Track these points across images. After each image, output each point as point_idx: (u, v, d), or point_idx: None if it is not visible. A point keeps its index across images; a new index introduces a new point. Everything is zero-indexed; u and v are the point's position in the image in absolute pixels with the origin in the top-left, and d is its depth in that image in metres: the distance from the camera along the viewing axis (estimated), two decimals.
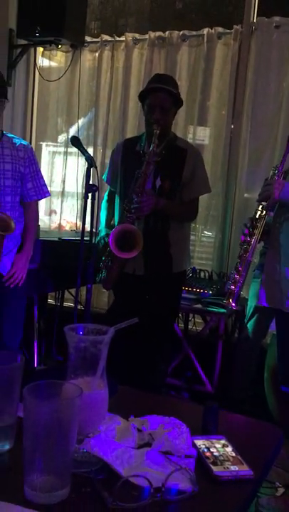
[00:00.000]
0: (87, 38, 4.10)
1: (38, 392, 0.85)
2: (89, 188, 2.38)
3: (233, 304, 2.43)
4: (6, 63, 4.07)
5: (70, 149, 4.23)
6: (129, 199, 2.55)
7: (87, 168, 2.43)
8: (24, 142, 2.64)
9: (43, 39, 3.95)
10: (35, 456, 0.82)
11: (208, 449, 1.01)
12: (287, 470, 2.43)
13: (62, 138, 4.38)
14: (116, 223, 2.74)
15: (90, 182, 2.41)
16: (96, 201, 2.39)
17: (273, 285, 2.49)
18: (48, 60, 4.35)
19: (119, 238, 2.50)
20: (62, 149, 4.35)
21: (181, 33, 3.76)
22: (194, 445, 1.02)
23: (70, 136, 3.83)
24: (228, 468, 0.95)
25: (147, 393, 1.29)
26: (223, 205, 3.71)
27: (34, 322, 3.25)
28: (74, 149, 3.30)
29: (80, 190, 4.16)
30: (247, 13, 3.57)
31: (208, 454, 0.99)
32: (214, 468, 0.94)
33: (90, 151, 4.06)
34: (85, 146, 2.58)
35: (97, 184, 2.42)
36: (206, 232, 3.89)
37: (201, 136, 3.85)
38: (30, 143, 4.35)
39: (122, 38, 3.97)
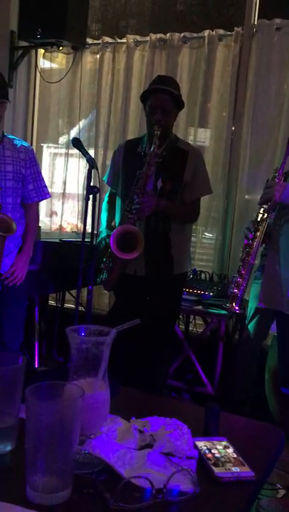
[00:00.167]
0: (89, 40, 4.11)
1: (40, 393, 0.85)
2: (90, 190, 2.38)
3: (237, 308, 2.43)
4: (8, 65, 4.07)
5: (71, 151, 4.24)
6: (130, 200, 2.55)
7: (88, 169, 2.43)
8: (25, 143, 2.65)
9: (44, 41, 3.96)
10: (37, 457, 0.82)
11: (209, 450, 1.01)
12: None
13: (63, 139, 4.38)
14: (117, 224, 2.75)
15: (91, 183, 2.41)
16: (97, 203, 2.40)
17: (274, 287, 2.49)
18: (49, 61, 4.36)
19: (121, 239, 2.50)
20: (63, 151, 4.36)
21: (182, 35, 3.77)
22: (196, 446, 1.02)
23: (71, 138, 3.83)
24: (229, 469, 0.95)
25: (149, 394, 1.29)
26: (224, 207, 3.71)
27: (35, 323, 3.26)
28: (75, 151, 3.30)
29: (81, 191, 4.16)
30: (248, 15, 3.58)
31: (209, 455, 0.99)
32: (216, 470, 0.94)
33: (91, 152, 4.06)
34: (86, 148, 2.59)
35: (98, 186, 2.43)
36: (206, 234, 3.89)
37: (202, 137, 3.85)
38: (32, 144, 4.36)
39: (124, 40, 3.98)
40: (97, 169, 2.50)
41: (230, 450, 1.02)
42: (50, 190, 2.80)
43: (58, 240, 3.37)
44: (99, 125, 4.12)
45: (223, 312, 3.13)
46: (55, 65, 4.37)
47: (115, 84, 4.03)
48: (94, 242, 2.48)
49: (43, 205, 4.36)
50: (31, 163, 2.62)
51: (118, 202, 2.76)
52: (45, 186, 2.73)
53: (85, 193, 2.45)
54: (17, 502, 0.81)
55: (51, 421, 0.82)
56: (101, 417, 0.95)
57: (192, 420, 1.10)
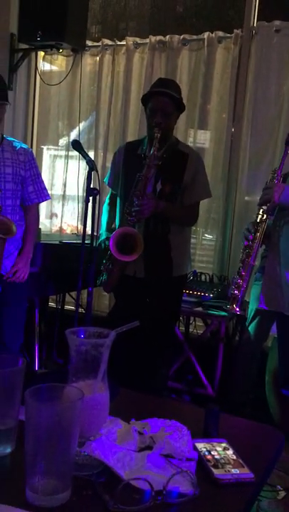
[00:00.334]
0: (88, 42, 4.12)
1: (39, 395, 0.85)
2: (90, 192, 2.39)
3: (237, 309, 2.43)
4: (8, 67, 4.08)
5: (71, 153, 4.25)
6: (130, 202, 2.55)
7: (88, 171, 2.44)
8: (24, 146, 2.66)
9: (44, 43, 3.97)
10: (36, 459, 0.82)
11: (209, 452, 1.01)
12: None
13: (63, 142, 4.39)
14: (117, 226, 2.75)
15: (91, 185, 2.42)
16: (97, 205, 2.40)
17: (274, 288, 2.49)
18: (49, 64, 4.37)
19: (120, 241, 2.50)
20: (63, 153, 4.37)
21: (182, 37, 3.78)
22: (195, 448, 1.02)
23: (71, 140, 3.84)
24: (229, 471, 0.95)
25: (148, 396, 1.29)
26: (224, 208, 3.71)
27: (35, 325, 3.26)
28: (75, 153, 3.31)
29: (81, 193, 4.17)
30: (247, 17, 3.59)
31: (209, 457, 0.99)
32: (215, 471, 0.94)
33: (91, 154, 4.07)
34: (86, 150, 2.59)
35: (98, 188, 2.43)
36: (206, 235, 3.90)
37: (202, 139, 3.86)
38: (32, 146, 4.37)
39: (123, 42, 3.99)
40: (96, 171, 2.51)
41: (230, 452, 1.02)
42: (50, 192, 2.81)
43: (58, 242, 3.37)
44: (99, 127, 4.13)
45: (224, 314, 3.13)
46: (55, 68, 4.38)
47: (115, 86, 4.04)
48: (94, 244, 2.48)
49: (43, 207, 4.37)
50: (31, 165, 2.63)
51: (119, 203, 2.77)
52: (45, 188, 2.73)
53: (85, 195, 2.45)
54: (17, 504, 0.81)
55: (50, 423, 0.82)
56: (100, 419, 0.95)
57: (192, 422, 1.10)
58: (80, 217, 4.21)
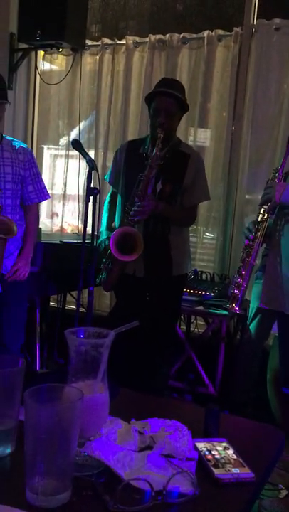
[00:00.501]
0: (88, 42, 4.11)
1: (39, 395, 0.85)
2: (90, 191, 2.39)
3: (237, 309, 2.43)
4: (7, 67, 4.08)
5: (71, 152, 4.25)
6: (131, 202, 2.55)
7: (88, 171, 2.44)
8: (24, 145, 2.65)
9: (43, 43, 3.96)
10: (36, 459, 0.82)
11: (209, 451, 1.01)
12: None
13: (63, 141, 4.39)
14: (117, 226, 2.75)
15: (91, 185, 2.41)
16: (97, 204, 2.40)
17: (275, 287, 2.49)
18: (49, 63, 4.37)
19: (120, 241, 2.50)
20: (63, 152, 4.36)
21: (182, 35, 3.77)
22: (196, 448, 1.02)
23: (71, 139, 3.84)
24: (229, 470, 0.95)
25: (149, 396, 1.29)
26: (225, 207, 3.71)
27: (36, 325, 3.26)
28: (75, 152, 3.31)
29: (82, 193, 4.16)
30: (247, 15, 3.58)
31: (209, 456, 0.99)
32: (215, 471, 0.94)
33: (92, 154, 4.07)
34: (86, 149, 2.59)
35: (98, 187, 2.43)
36: (207, 234, 3.89)
37: (202, 138, 3.85)
38: (32, 146, 4.37)
39: (123, 41, 3.98)
40: (97, 171, 2.50)
41: (231, 451, 1.02)
42: (50, 191, 2.81)
43: (58, 242, 3.37)
44: (99, 126, 4.12)
45: (225, 312, 3.13)
46: (54, 67, 4.38)
47: (115, 85, 4.03)
48: (94, 244, 2.48)
49: (44, 207, 4.37)
50: (30, 164, 2.62)
51: (119, 201, 2.77)
52: (45, 187, 2.73)
53: (85, 194, 2.45)
54: (17, 505, 0.81)
55: (50, 423, 0.82)
56: (100, 419, 0.95)
57: (192, 421, 1.10)
58: (80, 217, 4.20)
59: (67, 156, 4.32)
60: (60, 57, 4.29)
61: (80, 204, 4.20)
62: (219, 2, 4.22)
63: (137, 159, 2.64)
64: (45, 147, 4.51)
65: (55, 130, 4.41)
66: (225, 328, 3.24)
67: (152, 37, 3.85)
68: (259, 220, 2.41)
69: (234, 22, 3.72)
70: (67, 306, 3.87)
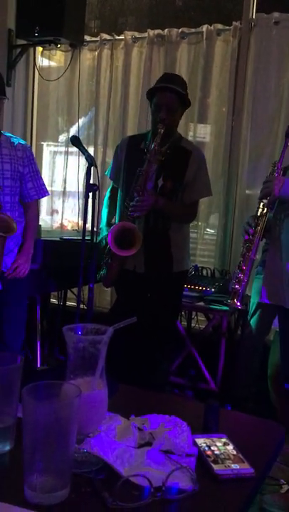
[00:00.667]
0: (87, 37, 4.09)
1: (36, 392, 0.85)
2: (89, 188, 2.38)
3: (238, 304, 2.42)
4: (6, 63, 4.06)
5: (70, 149, 4.23)
6: (131, 197, 2.55)
7: (87, 167, 2.43)
8: (22, 141, 2.64)
9: (42, 39, 3.94)
10: (34, 456, 0.82)
11: (209, 447, 1.01)
12: None
13: (62, 137, 4.38)
14: (117, 220, 2.74)
15: (91, 181, 2.41)
16: (97, 200, 2.39)
17: (275, 282, 2.48)
18: (48, 59, 4.35)
19: (119, 236, 2.50)
20: (63, 149, 4.35)
21: (180, 30, 3.75)
22: (195, 443, 1.01)
23: (70, 136, 3.83)
24: (229, 466, 0.95)
25: (148, 392, 1.29)
26: (225, 203, 3.70)
27: (37, 322, 3.26)
28: (75, 149, 3.30)
29: (82, 189, 4.15)
30: (246, 9, 3.56)
31: (209, 452, 0.99)
32: (215, 467, 0.94)
33: (91, 150, 4.06)
34: (85, 146, 2.58)
35: (97, 183, 2.42)
36: (208, 230, 3.88)
37: (202, 133, 3.84)
38: (31, 143, 4.35)
39: (121, 37, 3.97)
40: (96, 167, 2.49)
41: (230, 447, 1.01)
42: (50, 188, 2.80)
43: (58, 239, 3.37)
44: (98, 122, 4.11)
45: (225, 308, 3.12)
46: (53, 63, 4.36)
47: (114, 81, 4.02)
48: (94, 240, 2.48)
49: (44, 204, 4.36)
50: (29, 161, 2.61)
51: (120, 197, 2.76)
52: (44, 184, 2.72)
53: (85, 190, 2.44)
54: (16, 502, 0.81)
55: (48, 421, 0.81)
56: (99, 415, 0.95)
57: (192, 417, 1.10)
58: (80, 213, 4.20)
59: (66, 153, 4.31)
60: (58, 53, 4.28)
61: (80, 201, 4.19)
62: None
63: (138, 154, 2.63)
64: (44, 144, 4.49)
65: (54, 127, 4.39)
66: (226, 324, 3.24)
67: (151, 32, 3.83)
68: (259, 214, 2.40)
69: (233, 16, 3.70)
70: (68, 303, 3.87)
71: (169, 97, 2.55)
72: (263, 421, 1.17)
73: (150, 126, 2.77)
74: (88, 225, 2.54)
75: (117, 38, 3.99)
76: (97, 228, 2.68)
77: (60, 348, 3.62)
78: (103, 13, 4.63)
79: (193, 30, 3.75)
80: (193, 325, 3.62)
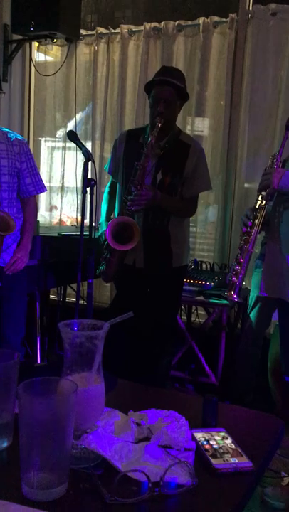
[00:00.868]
0: (83, 31, 4.07)
1: (33, 389, 0.84)
2: (87, 183, 2.37)
3: (235, 296, 2.41)
4: (2, 59, 4.05)
5: (68, 144, 4.22)
6: (128, 191, 2.54)
7: (84, 162, 2.42)
8: (19, 137, 2.62)
9: (37, 33, 3.93)
10: (31, 453, 0.82)
11: (207, 441, 1.00)
12: None
13: (60, 133, 4.36)
14: (116, 215, 2.73)
15: (89, 176, 2.39)
16: (95, 195, 2.38)
17: (274, 275, 2.47)
18: (44, 54, 4.33)
19: (117, 230, 2.49)
20: (60, 144, 4.34)
21: (177, 23, 3.73)
22: (194, 438, 1.01)
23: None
24: (227, 460, 0.94)
25: (147, 387, 1.28)
26: (224, 196, 3.69)
27: (36, 318, 3.25)
28: (73, 144, 3.29)
29: (80, 184, 4.14)
30: (242, 1, 3.54)
31: (207, 446, 0.99)
32: (213, 461, 0.94)
33: (89, 145, 4.04)
34: (83, 141, 2.56)
35: (95, 178, 2.41)
36: (207, 224, 3.87)
37: (200, 127, 3.82)
38: (29, 139, 4.34)
39: (118, 30, 3.94)
40: (93, 161, 2.48)
41: (229, 441, 1.01)
42: (48, 184, 2.79)
43: (56, 234, 3.36)
44: (95, 117, 4.10)
45: (225, 302, 3.12)
46: (49, 58, 4.34)
47: (110, 75, 4.00)
48: (92, 235, 2.47)
49: (43, 200, 4.35)
50: (27, 156, 2.60)
51: (119, 191, 2.75)
52: (41, 179, 2.71)
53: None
54: (14, 499, 0.81)
55: (44, 417, 0.81)
56: (96, 411, 0.94)
57: (191, 411, 1.09)
58: (79, 209, 4.19)
59: (64, 148, 4.29)
60: (54, 47, 4.26)
61: (79, 196, 4.18)
62: None
63: (137, 149, 2.61)
64: (42, 140, 4.48)
65: (51, 122, 4.38)
66: (225, 318, 3.24)
67: (147, 25, 3.81)
68: (257, 206, 2.38)
69: (230, 8, 3.67)
70: (68, 299, 3.87)
71: (167, 90, 2.53)
72: (261, 414, 1.17)
73: (148, 120, 2.76)
74: (87, 221, 2.53)
75: (113, 31, 3.97)
76: (95, 223, 2.67)
77: (60, 344, 3.61)
78: (100, 8, 4.61)
79: (189, 22, 3.73)
80: (193, 319, 3.63)
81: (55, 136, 4.40)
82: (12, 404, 0.97)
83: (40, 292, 3.34)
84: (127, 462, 0.92)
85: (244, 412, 1.21)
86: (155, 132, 2.49)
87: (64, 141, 4.28)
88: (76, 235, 3.11)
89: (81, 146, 2.47)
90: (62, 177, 4.30)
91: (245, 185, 3.64)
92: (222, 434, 1.04)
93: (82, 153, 2.43)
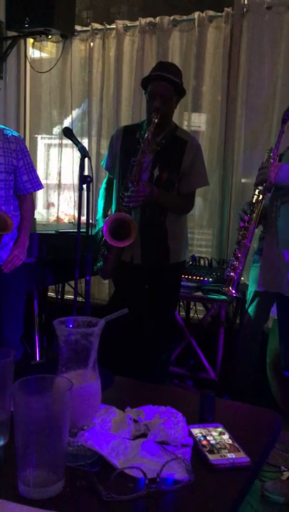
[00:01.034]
0: (78, 27, 4.05)
1: (28, 387, 0.84)
2: (83, 180, 2.36)
3: (233, 291, 2.41)
4: None
5: (65, 141, 4.20)
6: (125, 187, 2.53)
7: (80, 159, 2.40)
8: (15, 133, 2.61)
9: (32, 30, 3.89)
10: (27, 451, 0.81)
11: (204, 437, 1.00)
12: None
13: (57, 130, 4.34)
14: (113, 211, 2.72)
15: (85, 173, 2.38)
16: (91, 192, 2.37)
17: (272, 269, 2.47)
18: (39, 51, 4.31)
19: (114, 227, 2.48)
20: (57, 141, 4.32)
21: (172, 18, 3.71)
22: (191, 434, 1.01)
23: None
24: (224, 456, 0.94)
25: (144, 383, 1.28)
26: (221, 192, 3.68)
27: (35, 316, 3.25)
28: (69, 141, 3.28)
29: (77, 181, 4.12)
30: None
31: (204, 442, 0.98)
32: (210, 457, 0.93)
33: (85, 141, 4.03)
34: (79, 137, 2.55)
35: (91, 175, 2.40)
36: (204, 219, 3.86)
37: (197, 122, 3.81)
38: (25, 136, 4.32)
39: (113, 26, 3.92)
40: (89, 158, 2.47)
41: (226, 436, 1.01)
42: (46, 181, 2.77)
43: (54, 232, 3.35)
44: (91, 114, 4.08)
45: (223, 297, 3.12)
46: (45, 54, 4.31)
47: (106, 71, 3.98)
48: (90, 232, 2.46)
49: (40, 197, 4.34)
50: (23, 153, 2.58)
51: (115, 187, 2.74)
52: (38, 176, 2.70)
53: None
54: (10, 498, 0.81)
55: (40, 415, 0.80)
56: (92, 408, 0.94)
57: (188, 407, 1.09)
58: (76, 206, 4.17)
59: (61, 145, 4.28)
60: (49, 44, 4.23)
61: (76, 193, 4.16)
62: None
63: (134, 144, 2.60)
64: (38, 137, 4.46)
65: (47, 119, 4.36)
66: (224, 313, 3.24)
67: (142, 20, 3.79)
68: (254, 201, 2.38)
69: (225, 2, 3.65)
70: (66, 296, 3.86)
71: (163, 86, 2.52)
72: (259, 409, 1.17)
73: (145, 116, 2.75)
74: (84, 218, 2.52)
75: (109, 27, 3.95)
76: (92, 220, 2.66)
77: (58, 342, 3.61)
78: (95, 3, 4.58)
79: (185, 17, 3.70)
80: (191, 315, 3.62)
81: (51, 133, 4.38)
82: (8, 403, 0.96)
83: (39, 290, 3.34)
84: (123, 459, 0.91)
85: (241, 407, 1.20)
86: (152, 128, 2.48)
87: (60, 138, 4.26)
88: (73, 232, 3.10)
89: (77, 143, 2.46)
90: (59, 174, 4.28)
91: (243, 180, 3.63)
92: (219, 429, 1.03)
93: (78, 149, 2.42)
